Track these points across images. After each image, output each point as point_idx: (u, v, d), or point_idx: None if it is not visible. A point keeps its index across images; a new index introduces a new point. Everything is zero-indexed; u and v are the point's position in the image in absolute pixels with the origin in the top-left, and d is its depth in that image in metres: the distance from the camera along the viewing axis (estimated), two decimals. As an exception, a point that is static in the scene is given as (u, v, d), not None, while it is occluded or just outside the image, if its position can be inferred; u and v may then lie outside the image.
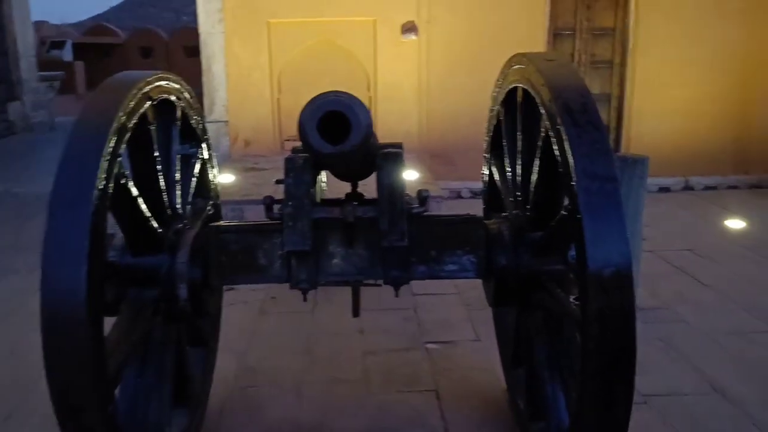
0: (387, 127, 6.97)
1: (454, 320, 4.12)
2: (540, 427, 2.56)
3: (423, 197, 2.34)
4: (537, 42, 7.57)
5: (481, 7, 7.54)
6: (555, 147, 1.99)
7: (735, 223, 6.24)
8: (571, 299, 2.10)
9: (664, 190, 7.63)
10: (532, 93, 2.23)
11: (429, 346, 3.79)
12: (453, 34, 7.58)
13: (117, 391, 2.05)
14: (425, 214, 2.39)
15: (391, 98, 7.59)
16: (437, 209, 4.69)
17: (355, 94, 2.02)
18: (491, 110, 2.96)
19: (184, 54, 20.01)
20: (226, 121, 7.59)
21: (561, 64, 2.29)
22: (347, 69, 7.53)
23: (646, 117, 7.81)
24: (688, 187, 7.78)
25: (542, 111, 2.12)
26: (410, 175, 6.35)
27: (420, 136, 7.59)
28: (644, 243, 4.24)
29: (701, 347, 3.73)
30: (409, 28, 7.66)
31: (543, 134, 2.19)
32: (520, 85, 2.43)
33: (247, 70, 7.50)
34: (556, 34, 7.90)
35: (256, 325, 4.11)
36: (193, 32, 9.28)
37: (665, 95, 7.79)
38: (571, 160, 1.88)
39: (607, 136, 1.98)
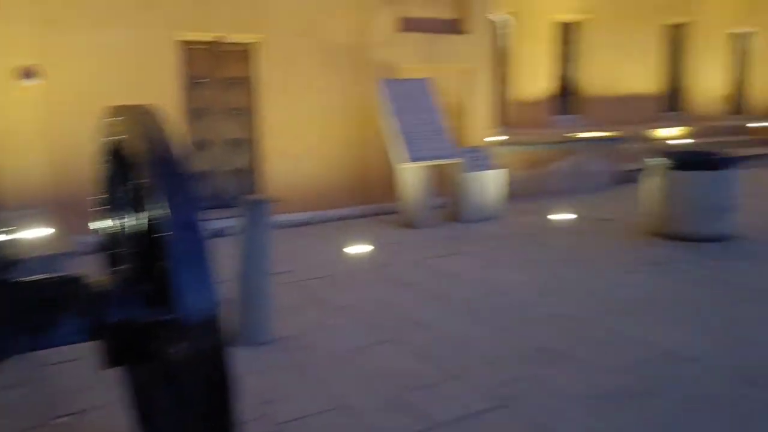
0: (8, 180, 6.27)
1: (85, 387, 3.79)
2: (172, 479, 2.51)
3: (7, 262, 2.15)
4: (171, 89, 7.64)
5: (110, 53, 7.33)
6: (148, 198, 2.02)
7: (363, 248, 7.04)
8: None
9: (304, 224, 8.26)
10: (127, 145, 2.24)
11: (57, 420, 3.46)
12: (84, 80, 7.21)
13: None
14: (16, 280, 2.19)
15: (9, 148, 6.85)
16: (68, 266, 4.32)
17: None
18: (97, 163, 2.87)
19: None
20: None
21: (152, 117, 2.34)
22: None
23: (282, 159, 8.46)
24: (324, 220, 8.52)
25: (135, 163, 2.14)
26: (40, 231, 5.78)
27: (52, 187, 6.98)
28: (283, 275, 4.51)
29: (330, 368, 4.10)
30: (28, 72, 7.04)
31: (139, 186, 2.20)
32: (117, 137, 2.41)
33: None
34: (194, 83, 8.08)
35: None
36: None
37: (297, 139, 8.55)
38: (160, 211, 1.93)
39: (194, 187, 2.08)
